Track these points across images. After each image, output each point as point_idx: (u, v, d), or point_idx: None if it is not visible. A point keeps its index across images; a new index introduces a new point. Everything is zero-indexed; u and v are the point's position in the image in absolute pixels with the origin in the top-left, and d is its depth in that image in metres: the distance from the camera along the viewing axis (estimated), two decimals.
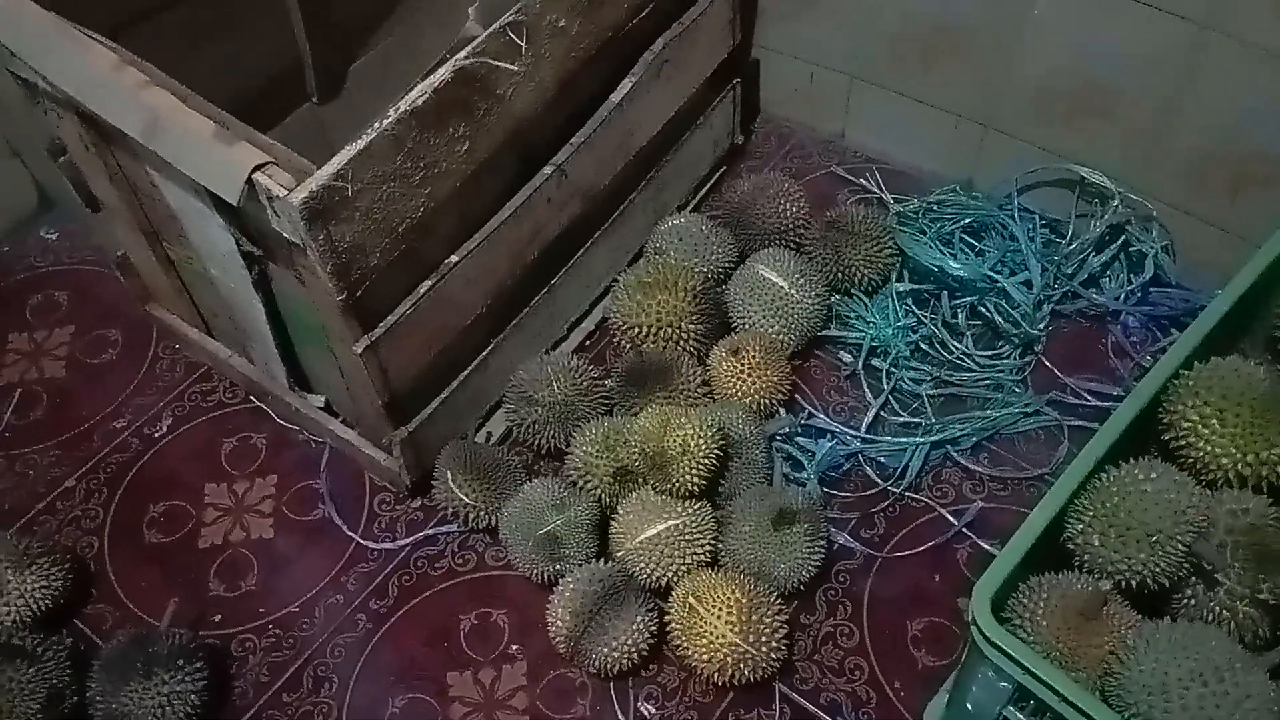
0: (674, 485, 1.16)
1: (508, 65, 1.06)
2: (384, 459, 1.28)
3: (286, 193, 0.94)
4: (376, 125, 0.98)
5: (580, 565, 1.19)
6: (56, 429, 1.40)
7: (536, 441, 1.30)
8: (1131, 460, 0.99)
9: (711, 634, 1.10)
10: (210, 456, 1.38)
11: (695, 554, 1.17)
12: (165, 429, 1.40)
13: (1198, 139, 1.29)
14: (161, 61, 1.05)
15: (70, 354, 1.48)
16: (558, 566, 1.20)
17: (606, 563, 1.19)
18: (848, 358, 1.41)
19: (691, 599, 1.12)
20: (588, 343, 1.45)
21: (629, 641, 1.13)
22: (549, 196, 1.24)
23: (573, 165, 1.24)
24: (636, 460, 1.18)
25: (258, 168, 0.95)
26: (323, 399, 1.34)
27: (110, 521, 1.32)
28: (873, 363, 1.40)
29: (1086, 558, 0.97)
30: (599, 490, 1.23)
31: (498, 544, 1.26)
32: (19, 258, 1.58)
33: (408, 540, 1.29)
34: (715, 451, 1.17)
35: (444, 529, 1.29)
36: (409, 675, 1.20)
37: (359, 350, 1.09)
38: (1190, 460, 1.02)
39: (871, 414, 1.35)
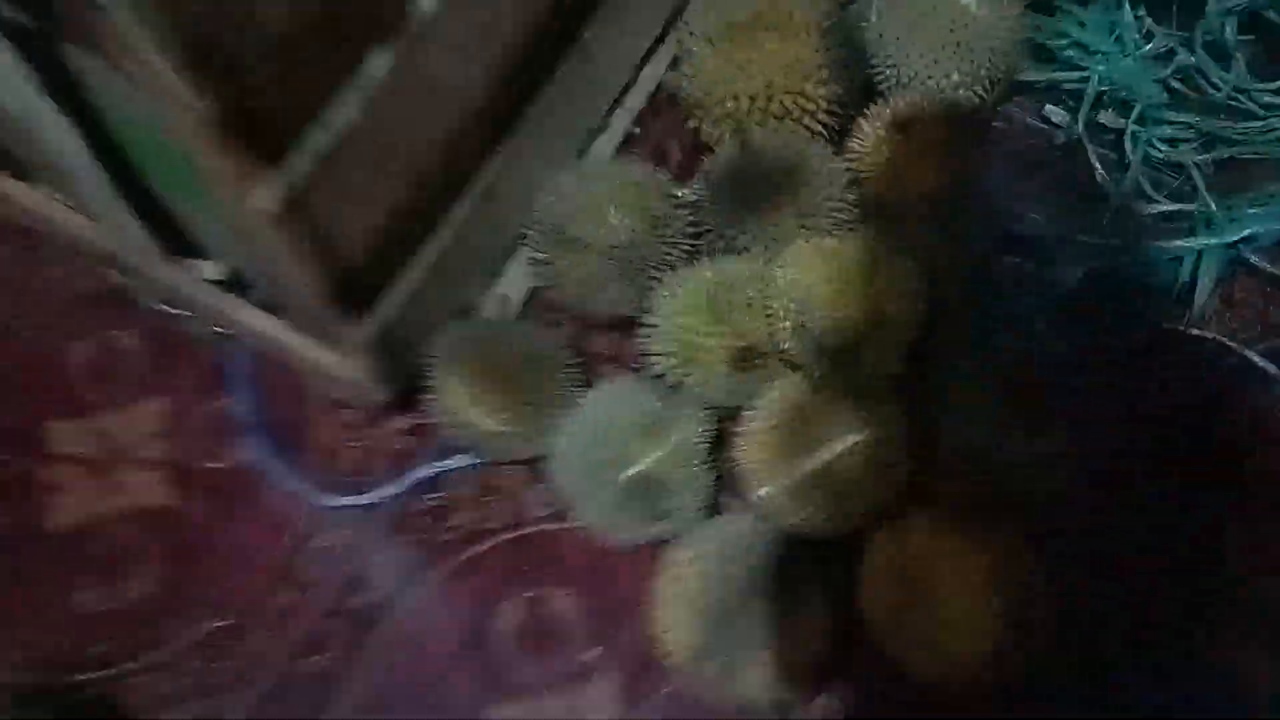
0: (862, 377, 0.66)
1: None
2: (337, 363, 0.76)
3: None
4: None
5: (695, 519, 0.71)
6: None
7: (583, 307, 0.79)
8: None
9: (957, 620, 0.63)
10: (52, 377, 0.85)
11: (892, 487, 0.69)
12: None
13: None
14: None
15: None
16: (658, 528, 0.71)
17: (736, 512, 0.71)
18: (1060, 116, 0.88)
19: (910, 571, 0.64)
20: (636, 131, 0.90)
21: (799, 655, 0.66)
22: None
23: None
24: (788, 337, 0.67)
25: None
26: (222, 269, 0.80)
27: None
28: (1098, 119, 0.87)
29: None
30: (706, 389, 0.72)
31: (538, 474, 0.77)
32: None
33: (392, 489, 0.79)
34: (921, 311, 0.66)
35: (451, 464, 0.79)
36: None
37: (268, 204, 0.55)
38: None
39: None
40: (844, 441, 0.66)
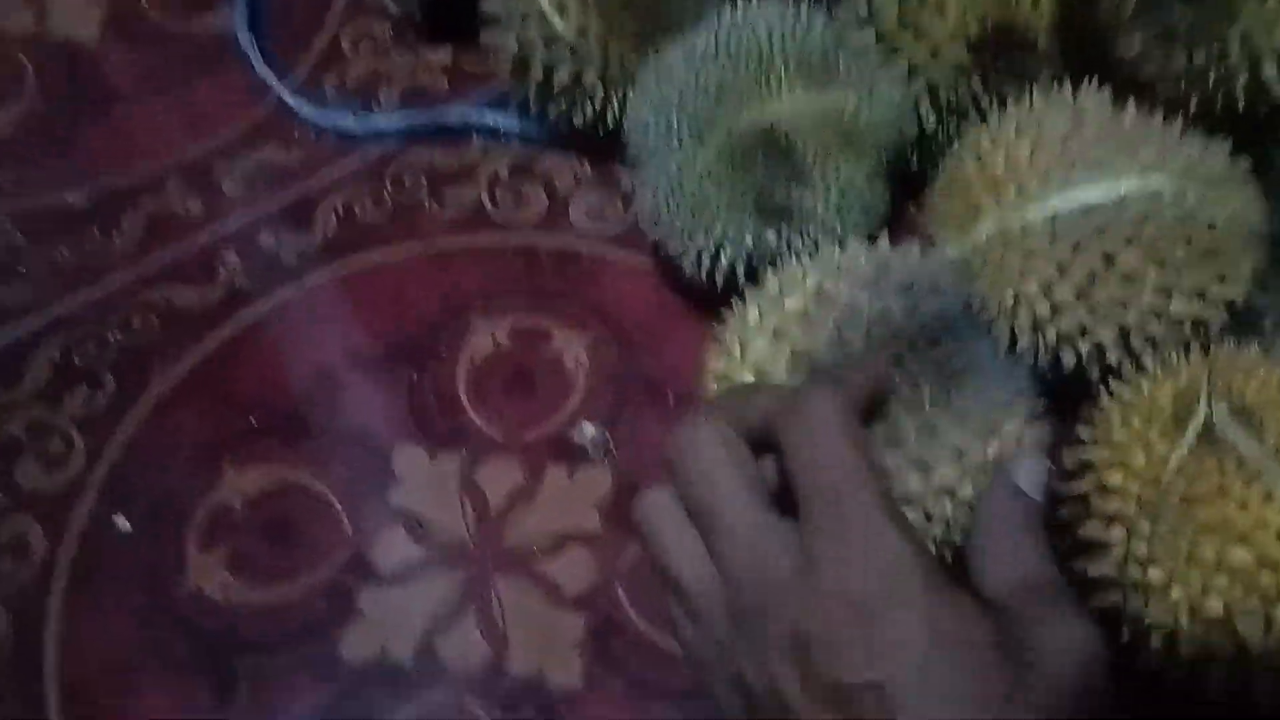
0: (1236, 94, 0.36)
1: None
2: None
3: None
4: None
5: (834, 235, 0.41)
6: None
7: None
8: None
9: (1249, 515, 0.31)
10: None
11: (1223, 283, 0.37)
12: None
13: None
14: None
15: None
16: (770, 235, 0.41)
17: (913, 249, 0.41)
18: None
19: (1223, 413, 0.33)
20: None
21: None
22: None
23: None
24: None
25: None
26: None
27: None
28: None
29: None
30: (920, 71, 0.43)
31: (617, 168, 0.49)
32: None
33: (394, 124, 0.52)
34: None
35: (490, 119, 0.52)
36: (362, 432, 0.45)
37: None
38: None
39: None
40: (1145, 180, 0.36)
